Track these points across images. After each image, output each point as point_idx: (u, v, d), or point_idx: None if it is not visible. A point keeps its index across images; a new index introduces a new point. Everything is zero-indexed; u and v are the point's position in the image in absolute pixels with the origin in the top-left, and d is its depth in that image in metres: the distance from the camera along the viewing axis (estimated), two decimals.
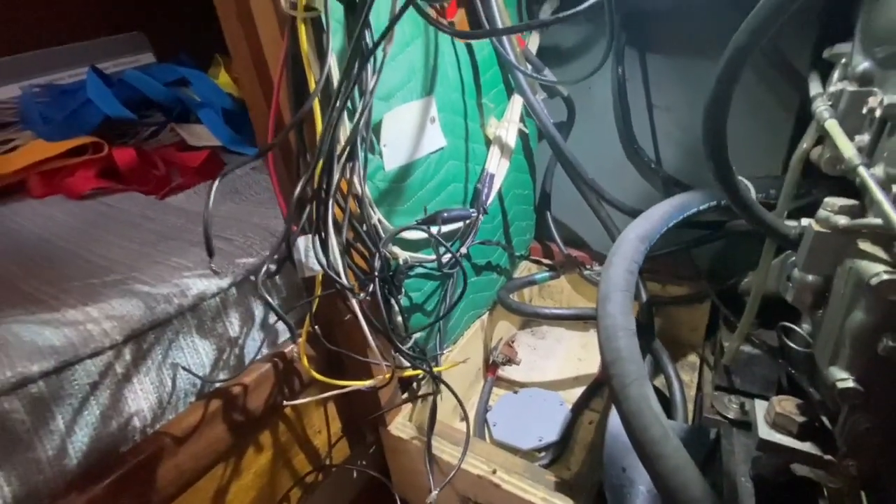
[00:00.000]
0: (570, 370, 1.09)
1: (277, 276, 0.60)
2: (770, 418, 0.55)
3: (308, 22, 0.46)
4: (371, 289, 0.53)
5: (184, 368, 0.52)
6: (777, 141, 0.90)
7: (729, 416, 0.82)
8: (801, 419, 0.52)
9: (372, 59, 0.48)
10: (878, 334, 0.39)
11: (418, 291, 0.80)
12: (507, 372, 1.08)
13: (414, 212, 0.75)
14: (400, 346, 0.63)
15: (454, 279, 0.84)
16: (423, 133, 0.74)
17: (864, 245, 0.42)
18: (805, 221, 0.56)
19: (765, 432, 0.53)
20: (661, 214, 0.75)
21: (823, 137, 0.60)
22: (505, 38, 0.80)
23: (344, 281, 0.48)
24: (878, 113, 0.47)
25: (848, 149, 0.45)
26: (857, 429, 0.42)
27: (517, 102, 0.93)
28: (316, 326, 0.60)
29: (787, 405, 0.54)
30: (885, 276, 0.37)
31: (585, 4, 0.52)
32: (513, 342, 1.15)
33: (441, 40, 0.75)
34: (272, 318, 0.61)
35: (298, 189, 0.44)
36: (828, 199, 0.47)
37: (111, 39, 1.18)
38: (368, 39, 0.50)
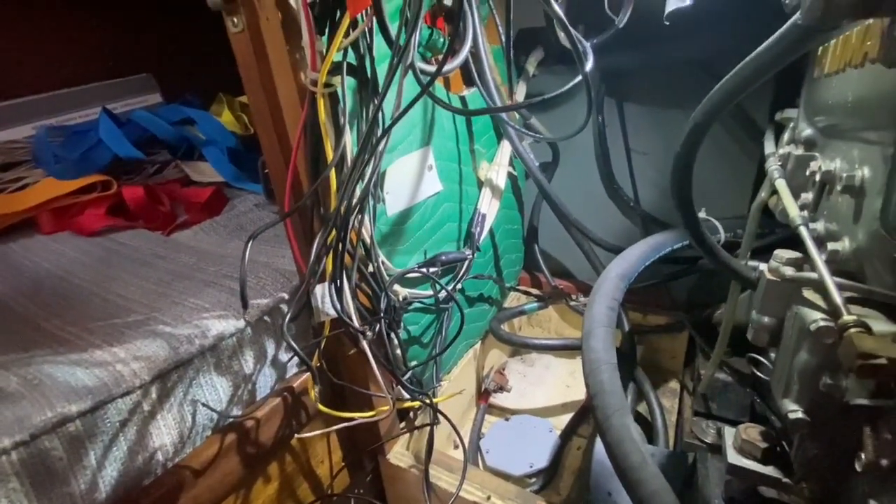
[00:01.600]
0: (559, 397, 1.14)
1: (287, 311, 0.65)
2: (737, 444, 0.60)
3: (326, 96, 0.53)
4: (378, 328, 0.58)
5: (203, 405, 0.56)
6: (743, 184, 0.99)
7: (707, 440, 0.88)
8: (763, 445, 0.57)
9: (381, 126, 0.54)
10: (819, 372, 0.45)
11: (416, 325, 0.85)
12: (498, 399, 1.13)
13: (412, 251, 0.81)
14: (402, 379, 0.68)
15: (449, 312, 0.90)
16: (421, 180, 0.80)
17: (808, 294, 0.49)
18: (762, 267, 0.64)
19: (733, 457, 0.59)
20: (638, 255, 0.82)
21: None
22: (495, 92, 0.87)
23: (356, 324, 0.54)
24: (818, 177, 0.55)
25: (792, 208, 0.52)
26: (808, 454, 0.48)
27: (506, 147, 1.01)
28: (323, 361, 0.65)
29: (751, 432, 0.60)
30: (822, 323, 0.43)
31: (569, 85, 0.60)
32: (503, 370, 1.20)
33: (437, 94, 0.82)
34: (282, 354, 0.66)
35: (317, 246, 0.50)
36: (777, 252, 0.54)
37: (121, 81, 1.24)
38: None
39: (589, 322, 0.70)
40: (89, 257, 0.84)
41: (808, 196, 0.59)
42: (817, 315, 0.45)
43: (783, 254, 0.53)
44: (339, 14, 0.50)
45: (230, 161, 1.15)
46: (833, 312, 0.45)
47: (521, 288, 1.26)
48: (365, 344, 0.55)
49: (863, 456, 0.39)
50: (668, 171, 1.12)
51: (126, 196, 1.02)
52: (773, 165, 0.63)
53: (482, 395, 1.12)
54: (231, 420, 0.59)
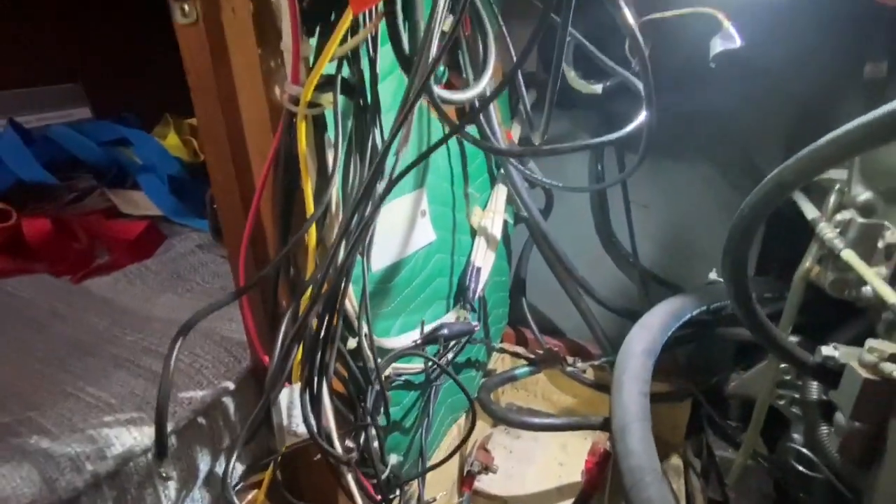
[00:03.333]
0: (552, 478, 0.99)
1: (232, 411, 0.47)
2: None
3: (309, 119, 0.38)
4: (363, 440, 0.42)
5: None
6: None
7: None
8: None
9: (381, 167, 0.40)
10: None
11: (397, 406, 0.68)
12: (483, 483, 0.96)
13: (398, 313, 0.65)
14: (382, 488, 0.50)
15: (437, 388, 0.74)
16: (413, 228, 0.66)
17: None
18: (827, 351, 0.54)
19: None
20: (659, 324, 0.72)
21: (825, 258, 0.60)
22: (498, 131, 0.77)
23: (338, 451, 0.37)
24: None
25: (890, 294, 0.43)
26: None
27: (502, 192, 0.90)
28: (278, 473, 0.47)
29: None
30: None
31: (631, 126, 0.49)
32: (487, 445, 1.04)
33: (433, 128, 0.70)
34: (220, 468, 0.47)
35: (284, 334, 0.34)
36: (872, 343, 0.44)
37: (40, 90, 1.03)
38: (377, 133, 0.43)
39: (621, 415, 0.57)
40: None
41: (881, 270, 0.51)
42: None
43: (882, 347, 0.43)
44: (335, 12, 0.37)
45: (171, 191, 0.96)
46: None
47: (507, 348, 1.13)
48: (349, 477, 0.39)
49: None
50: (670, 227, 1.05)
51: (27, 230, 0.80)
52: (829, 233, 0.55)
53: (465, 479, 0.95)
54: None
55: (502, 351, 1.13)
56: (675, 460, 1.03)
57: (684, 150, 0.92)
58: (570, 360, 1.04)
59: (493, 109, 0.78)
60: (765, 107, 0.82)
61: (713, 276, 0.88)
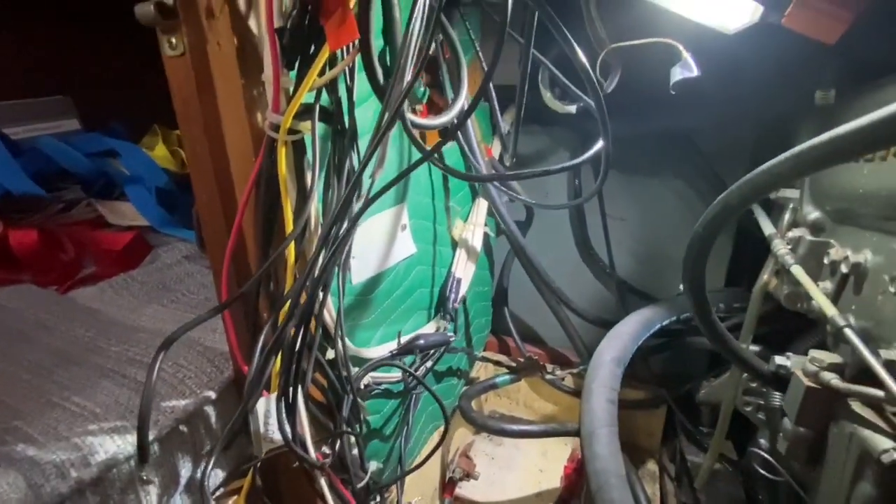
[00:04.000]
0: (532, 484, 1.01)
1: (213, 420, 0.49)
2: None
3: (289, 144, 0.41)
4: (339, 448, 0.44)
5: None
6: (720, 258, 0.96)
7: None
8: None
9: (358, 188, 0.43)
10: None
11: (377, 414, 0.70)
12: (465, 490, 0.98)
13: (378, 324, 0.68)
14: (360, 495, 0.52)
15: (416, 396, 0.76)
16: (393, 241, 0.69)
17: (857, 407, 0.43)
18: (780, 360, 0.57)
19: None
20: (630, 333, 0.75)
21: (780, 273, 0.63)
22: (477, 149, 0.80)
23: (312, 456, 0.39)
24: (843, 268, 0.50)
25: (828, 307, 0.46)
26: None
27: (482, 205, 0.93)
28: (258, 478, 0.49)
29: None
30: None
31: (584, 157, 0.53)
32: (469, 452, 1.06)
33: (413, 148, 0.73)
34: (199, 474, 0.49)
35: (262, 345, 0.36)
36: (814, 353, 0.47)
37: (29, 102, 1.04)
38: (355, 157, 0.46)
39: (589, 421, 0.59)
40: None
41: (826, 286, 0.54)
42: (887, 443, 0.38)
43: (822, 356, 0.46)
44: (314, 46, 0.39)
45: (158, 202, 0.97)
46: None
47: (489, 356, 1.15)
48: (322, 482, 0.41)
49: None
50: (645, 239, 1.09)
51: (13, 241, 0.81)
52: (781, 249, 0.58)
53: (447, 486, 0.97)
54: None
55: (484, 360, 1.15)
56: (651, 465, 1.06)
57: (658, 167, 0.97)
58: (549, 367, 1.07)
59: (473, 127, 0.81)
60: (730, 129, 0.87)
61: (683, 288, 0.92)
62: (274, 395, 0.38)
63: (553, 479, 1.02)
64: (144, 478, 0.38)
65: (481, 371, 1.15)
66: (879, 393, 0.39)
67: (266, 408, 0.38)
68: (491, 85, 0.78)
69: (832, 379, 0.44)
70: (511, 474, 1.04)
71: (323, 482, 0.40)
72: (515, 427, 0.90)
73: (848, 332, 0.43)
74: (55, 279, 0.81)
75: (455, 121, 0.49)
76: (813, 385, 0.45)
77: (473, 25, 0.77)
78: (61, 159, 0.93)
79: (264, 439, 0.38)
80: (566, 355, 1.13)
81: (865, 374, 0.42)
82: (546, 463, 1.07)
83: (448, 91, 0.71)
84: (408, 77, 0.40)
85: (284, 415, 0.37)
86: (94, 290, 0.78)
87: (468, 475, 1.00)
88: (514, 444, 1.11)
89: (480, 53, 0.74)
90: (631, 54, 0.70)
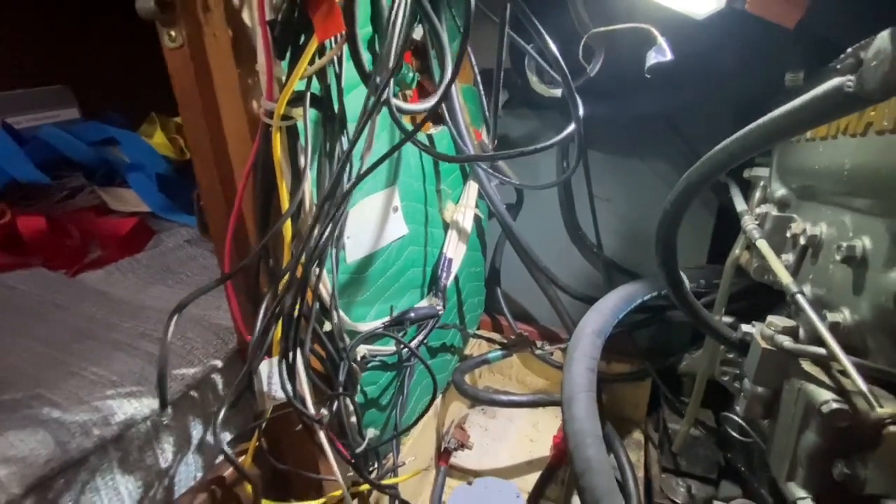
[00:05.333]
0: (523, 453, 1.07)
1: (220, 386, 0.53)
2: None
3: (283, 129, 0.44)
4: (336, 406, 0.48)
5: None
6: (702, 236, 1.00)
7: (678, 500, 0.84)
8: None
9: (348, 168, 0.47)
10: (830, 457, 0.42)
11: (373, 385, 0.75)
12: (459, 459, 1.03)
13: (373, 301, 0.72)
14: (359, 457, 0.57)
15: (411, 368, 0.81)
16: (385, 222, 0.72)
17: (807, 366, 0.47)
18: (746, 328, 0.62)
19: None
20: (611, 308, 0.79)
21: (751, 247, 0.67)
22: (465, 132, 0.83)
23: (311, 410, 0.44)
24: (801, 241, 0.54)
25: (784, 275, 0.50)
26: None
27: (473, 188, 0.96)
28: (263, 441, 0.53)
29: None
30: (835, 406, 0.40)
31: (561, 136, 0.56)
32: (464, 424, 1.11)
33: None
34: (211, 436, 0.53)
35: (263, 314, 0.40)
36: (771, 318, 0.51)
37: (29, 92, 1.06)
38: (345, 141, 0.49)
39: (569, 387, 0.64)
40: None
41: (788, 258, 0.58)
42: (827, 395, 0.42)
43: (777, 321, 0.50)
44: (303, 37, 0.42)
45: (159, 189, 1.00)
46: (842, 392, 0.42)
47: (482, 334, 1.20)
48: (321, 434, 0.45)
49: None
50: (630, 219, 1.13)
51: (22, 227, 0.84)
52: (749, 224, 0.62)
53: (442, 455, 1.02)
54: None
55: (478, 336, 1.19)
56: (637, 435, 1.11)
57: (642, 149, 1.00)
58: (539, 343, 1.12)
59: (461, 111, 0.84)
60: (709, 110, 0.90)
61: None
62: (276, 358, 0.42)
63: (543, 448, 1.08)
64: (165, 422, 0.43)
65: (475, 348, 1.20)
66: (822, 351, 0.43)
67: (269, 369, 0.42)
68: (476, 70, 0.81)
69: (784, 341, 0.48)
70: (504, 444, 1.09)
71: (322, 437, 0.45)
72: (505, 397, 0.95)
73: (799, 297, 0.47)
74: (63, 263, 0.84)
75: (438, 105, 0.52)
76: (768, 347, 0.50)
77: (459, 13, 0.79)
78: (64, 148, 0.96)
79: (268, 397, 0.42)
80: (556, 332, 1.18)
81: (817, 337, 0.47)
82: (537, 434, 1.13)
83: (437, 76, 0.74)
84: (391, 62, 0.43)
85: (286, 375, 0.41)
86: (101, 273, 0.82)
87: (463, 445, 1.06)
88: (507, 417, 1.17)
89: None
90: (614, 39, 0.73)
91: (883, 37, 0.24)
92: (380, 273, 0.72)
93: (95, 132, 1.04)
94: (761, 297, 0.77)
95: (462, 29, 0.40)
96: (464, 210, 0.93)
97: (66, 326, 0.61)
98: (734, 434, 0.74)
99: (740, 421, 0.74)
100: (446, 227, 0.92)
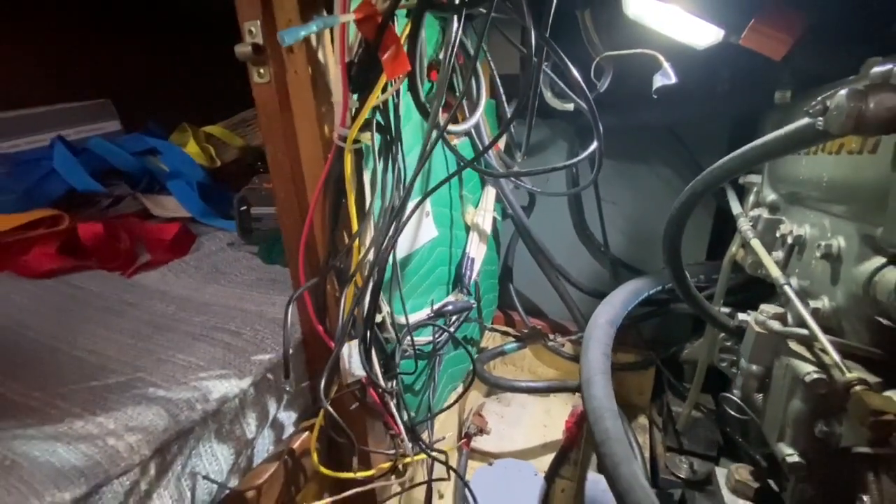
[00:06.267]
0: (537, 437, 1.15)
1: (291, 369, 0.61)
2: (730, 485, 0.65)
3: (352, 151, 0.52)
4: (395, 384, 0.57)
5: (204, 477, 0.50)
6: (701, 234, 1.09)
7: (681, 475, 0.93)
8: (755, 485, 0.62)
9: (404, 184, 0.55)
10: (813, 419, 0.51)
11: (408, 372, 0.83)
12: (479, 443, 1.12)
13: (409, 296, 0.80)
14: (416, 435, 0.65)
15: (441, 357, 0.89)
16: (420, 226, 0.80)
17: (794, 346, 0.55)
18: (742, 316, 0.70)
19: (729, 498, 0.63)
20: (621, 300, 0.87)
21: (745, 246, 0.76)
22: (487, 142, 0.91)
23: (383, 384, 0.52)
24: (789, 240, 0.62)
25: (774, 270, 0.59)
26: (805, 496, 0.53)
27: (491, 192, 1.04)
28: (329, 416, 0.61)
29: (742, 472, 0.64)
30: (815, 376, 0.49)
31: (583, 155, 0.64)
32: (482, 411, 1.20)
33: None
34: (282, 413, 0.62)
35: (343, 308, 0.48)
36: (763, 307, 0.60)
37: (75, 106, 1.14)
38: (401, 161, 0.57)
39: (587, 369, 0.72)
40: (43, 305, 0.75)
41: (778, 254, 0.67)
42: (809, 368, 0.50)
43: (768, 308, 0.59)
44: (372, 76, 0.50)
45: (199, 196, 1.08)
46: (822, 365, 0.51)
47: (497, 327, 1.28)
48: (391, 404, 0.53)
49: (866, 499, 0.43)
50: (635, 220, 1.21)
51: (82, 233, 0.92)
52: (745, 226, 0.71)
53: (464, 439, 1.11)
54: (228, 491, 0.54)
55: (493, 330, 1.28)
56: (643, 420, 1.20)
57: (647, 157, 1.09)
58: (551, 336, 1.20)
59: (483, 124, 0.93)
60: (709, 124, 0.99)
61: None
62: (355, 341, 0.50)
63: (556, 432, 1.16)
64: (288, 388, 0.51)
65: (490, 341, 1.28)
66: (805, 332, 0.51)
67: (349, 351, 0.50)
68: (499, 81, 0.88)
69: (775, 325, 0.57)
70: (518, 429, 1.18)
71: (393, 407, 0.53)
72: (523, 384, 1.03)
73: (786, 288, 0.56)
74: (119, 265, 0.92)
75: (479, 125, 0.60)
76: (761, 331, 0.58)
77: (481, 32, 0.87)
78: (112, 158, 1.03)
79: (350, 374, 0.51)
80: (566, 325, 1.26)
81: (802, 321, 0.55)
82: (549, 419, 1.21)
83: (459, 90, 0.82)
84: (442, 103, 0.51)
85: (364, 356, 0.50)
86: (156, 274, 0.90)
87: (481, 431, 1.14)
88: (521, 404, 1.25)
89: (489, 55, 0.84)
90: (623, 59, 0.81)
91: (841, 94, 0.33)
92: (414, 271, 0.81)
93: (138, 143, 1.11)
94: (756, 289, 0.86)
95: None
96: (483, 213, 1.02)
97: (142, 321, 0.69)
98: (732, 412, 0.83)
99: (738, 400, 0.82)
100: (468, 229, 1.01)
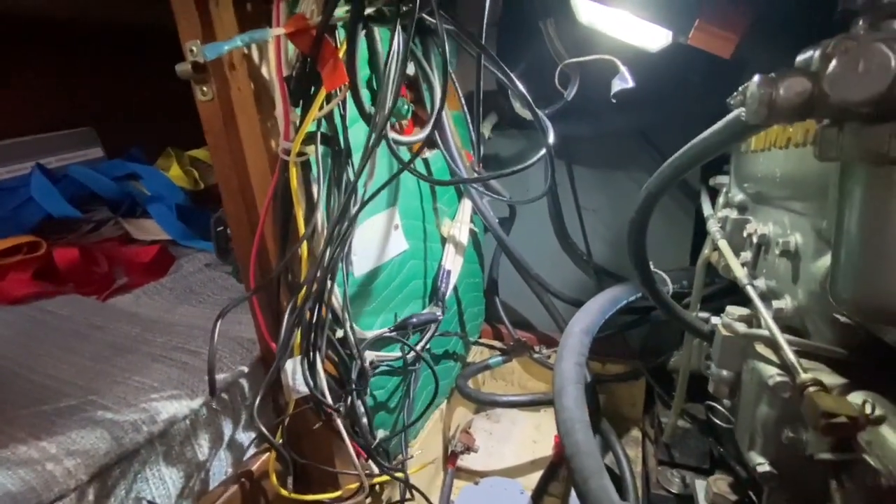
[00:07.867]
0: (527, 454, 1.12)
1: (247, 388, 0.60)
2: (709, 498, 0.62)
3: (298, 164, 0.52)
4: (350, 401, 0.55)
5: (149, 502, 0.49)
6: (682, 238, 1.07)
7: (673, 490, 0.89)
8: (734, 497, 0.59)
9: (354, 195, 0.54)
10: (780, 425, 0.48)
11: (381, 389, 0.81)
12: (466, 461, 1.08)
13: (379, 311, 0.79)
14: (375, 455, 0.64)
15: (416, 373, 0.87)
16: (388, 239, 0.80)
17: (760, 348, 0.53)
18: (715, 320, 0.68)
19: None
20: (598, 308, 0.85)
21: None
22: (457, 155, 0.91)
23: (330, 401, 0.51)
24: (755, 239, 0.61)
25: (738, 269, 0.57)
26: None
27: (467, 205, 1.04)
28: (284, 439, 0.60)
29: (721, 485, 0.61)
30: (778, 378, 0.47)
31: (535, 159, 0.64)
32: (469, 428, 1.17)
33: (403, 156, 0.84)
34: (240, 434, 0.60)
35: (287, 321, 0.47)
36: (729, 309, 0.58)
37: (59, 135, 1.16)
38: (350, 172, 0.57)
39: (559, 379, 0.70)
40: (11, 329, 0.75)
41: (746, 255, 0.65)
42: (773, 370, 0.48)
43: (734, 310, 0.57)
44: (313, 88, 0.51)
45: (178, 218, 1.09)
46: (786, 368, 0.49)
47: (483, 341, 1.26)
48: (339, 422, 0.52)
49: None
50: (616, 227, 1.20)
51: (58, 259, 0.93)
52: (713, 227, 0.69)
53: (449, 458, 1.08)
54: None
55: (479, 344, 1.26)
56: (635, 432, 1.16)
57: (622, 162, 1.08)
58: (537, 348, 1.18)
59: (452, 135, 0.93)
60: (678, 127, 0.98)
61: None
62: (298, 357, 0.49)
63: (545, 448, 1.13)
64: (214, 406, 0.49)
65: (477, 355, 1.26)
66: (766, 333, 0.50)
67: (293, 367, 0.49)
68: (462, 99, 0.89)
69: (739, 327, 0.55)
70: (508, 446, 1.14)
71: (340, 426, 0.52)
72: (505, 398, 1.01)
73: (748, 288, 0.54)
74: (94, 289, 0.92)
75: (433, 136, 0.60)
76: (727, 333, 0.56)
77: (452, 48, 0.88)
78: (92, 184, 1.05)
79: (292, 390, 0.49)
80: (553, 337, 1.24)
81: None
82: (539, 435, 1.18)
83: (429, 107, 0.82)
84: (388, 104, 0.51)
85: (307, 371, 0.48)
86: (130, 296, 0.90)
87: (469, 448, 1.11)
88: (510, 420, 1.22)
89: (453, 75, 0.85)
90: (593, 66, 0.81)
91: (753, 82, 0.32)
92: (384, 285, 0.80)
93: (118, 168, 1.13)
94: (740, 294, 0.84)
95: (440, 76, 0.48)
96: (459, 225, 1.01)
97: (105, 343, 0.69)
98: (714, 419, 0.80)
99: (723, 409, 0.80)
100: (444, 241, 1.00)
